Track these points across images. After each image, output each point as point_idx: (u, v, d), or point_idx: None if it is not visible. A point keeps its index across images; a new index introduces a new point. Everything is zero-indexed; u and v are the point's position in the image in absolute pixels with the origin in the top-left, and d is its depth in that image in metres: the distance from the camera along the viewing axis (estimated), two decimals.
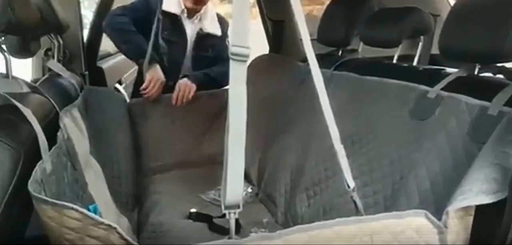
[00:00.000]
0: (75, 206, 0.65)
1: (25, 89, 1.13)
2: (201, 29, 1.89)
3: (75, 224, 0.66)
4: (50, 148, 0.93)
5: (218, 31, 1.94)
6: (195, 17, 1.89)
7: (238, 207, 0.65)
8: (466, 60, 1.05)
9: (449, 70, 1.15)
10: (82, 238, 0.67)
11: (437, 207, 0.82)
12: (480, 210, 0.74)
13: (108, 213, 1.22)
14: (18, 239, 0.97)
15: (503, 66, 1.00)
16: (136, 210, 1.54)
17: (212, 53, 1.94)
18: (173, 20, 1.86)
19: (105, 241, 0.65)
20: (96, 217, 0.65)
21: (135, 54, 1.84)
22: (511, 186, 0.71)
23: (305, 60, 1.71)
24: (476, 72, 1.04)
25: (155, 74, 1.76)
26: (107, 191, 1.33)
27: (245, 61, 0.65)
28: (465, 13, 1.04)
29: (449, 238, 0.72)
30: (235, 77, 0.65)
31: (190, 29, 1.90)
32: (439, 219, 0.72)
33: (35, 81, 1.35)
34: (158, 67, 1.78)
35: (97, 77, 1.99)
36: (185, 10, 1.86)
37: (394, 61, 1.42)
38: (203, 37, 1.90)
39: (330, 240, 0.68)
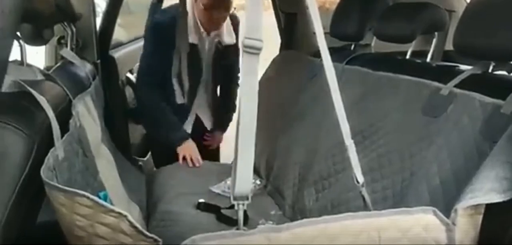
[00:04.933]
0: (86, 194, 0.66)
1: (39, 77, 1.14)
2: (219, 43, 1.83)
3: (86, 211, 0.67)
4: (63, 135, 0.94)
5: (234, 39, 1.87)
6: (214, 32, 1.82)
7: (247, 198, 0.65)
8: (481, 57, 1.03)
9: (463, 67, 1.13)
10: (92, 225, 0.68)
11: (447, 204, 0.82)
12: (491, 208, 0.73)
13: (119, 200, 1.24)
14: (30, 224, 0.99)
15: None
16: (146, 198, 1.56)
17: (230, 61, 1.90)
18: (191, 48, 1.79)
19: (116, 228, 0.66)
20: (107, 204, 0.66)
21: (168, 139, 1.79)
22: None
23: (316, 53, 1.71)
24: (490, 70, 1.02)
25: (188, 150, 1.76)
26: (118, 178, 1.34)
27: (257, 53, 0.65)
28: (481, 10, 1.02)
29: (458, 236, 0.72)
30: (247, 69, 0.65)
31: (208, 43, 1.83)
32: (449, 217, 0.71)
33: (48, 68, 1.37)
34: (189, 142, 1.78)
35: (109, 66, 2.00)
36: (204, 32, 1.79)
37: (408, 56, 1.40)
38: (221, 50, 1.85)
39: (337, 234, 0.68)
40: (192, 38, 1.76)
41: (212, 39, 1.82)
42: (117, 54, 2.12)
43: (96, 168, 1.13)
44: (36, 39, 1.34)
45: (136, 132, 2.16)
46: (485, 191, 0.72)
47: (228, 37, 1.83)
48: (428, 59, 1.36)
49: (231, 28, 1.86)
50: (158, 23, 1.79)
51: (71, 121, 1.03)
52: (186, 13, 1.74)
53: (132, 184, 1.50)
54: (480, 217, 0.74)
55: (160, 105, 1.77)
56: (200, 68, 1.85)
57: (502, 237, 0.76)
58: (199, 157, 1.76)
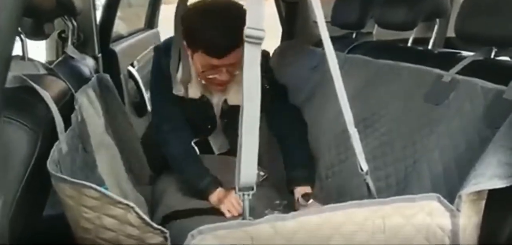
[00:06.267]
0: (93, 185, 0.67)
1: (42, 71, 1.15)
2: (225, 101, 1.45)
3: (94, 203, 0.68)
4: (66, 129, 0.95)
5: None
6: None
7: (252, 189, 0.66)
8: (483, 43, 1.03)
9: (464, 53, 1.13)
10: (99, 217, 0.68)
11: (449, 191, 0.82)
12: (493, 194, 0.74)
13: (122, 193, 1.24)
14: (36, 218, 1.00)
15: None
16: (151, 190, 1.56)
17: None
18: (196, 101, 1.44)
19: (123, 220, 0.67)
20: (114, 196, 0.66)
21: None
22: None
23: (318, 43, 1.71)
24: (492, 56, 1.02)
25: (229, 205, 1.29)
26: (123, 170, 1.34)
27: (259, 43, 0.65)
28: None
29: (462, 221, 0.72)
30: (249, 60, 0.65)
31: (216, 100, 1.47)
32: (451, 203, 0.72)
33: (49, 63, 1.37)
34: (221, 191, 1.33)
35: (110, 59, 2.00)
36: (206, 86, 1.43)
37: (409, 44, 1.40)
38: (229, 109, 1.46)
39: (343, 222, 0.69)
40: (193, 93, 1.41)
41: (218, 95, 1.46)
42: (118, 47, 2.12)
43: (95, 163, 1.13)
44: (37, 33, 1.33)
45: (139, 125, 2.17)
46: (488, 177, 0.73)
47: (235, 96, 1.42)
48: (430, 46, 1.35)
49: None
50: (159, 64, 1.43)
51: (72, 115, 1.03)
52: (186, 64, 1.37)
53: (138, 174, 1.50)
54: (483, 203, 0.75)
55: (181, 152, 1.40)
56: (208, 122, 1.51)
57: (504, 222, 0.76)
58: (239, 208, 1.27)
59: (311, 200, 1.26)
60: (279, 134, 1.46)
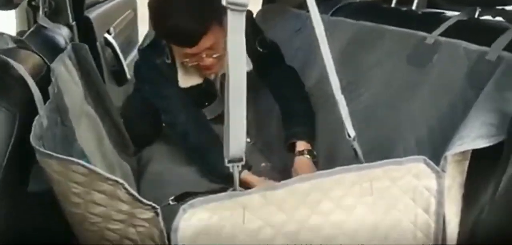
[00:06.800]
0: (81, 162, 0.66)
1: (11, 45, 1.09)
2: (223, 76, 1.40)
3: (82, 179, 0.66)
4: (45, 103, 0.91)
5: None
6: None
7: (241, 160, 0.65)
8: (467, 3, 1.03)
9: (448, 13, 1.13)
10: (89, 192, 0.67)
11: (433, 153, 0.84)
12: (475, 155, 0.76)
13: (107, 163, 1.22)
14: (20, 198, 0.98)
15: (503, 9, 0.98)
16: (136, 157, 1.55)
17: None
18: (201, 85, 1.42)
19: (112, 195, 0.66)
20: (103, 172, 0.65)
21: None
22: (510, 130, 0.73)
23: (301, 6, 1.67)
24: (476, 16, 1.02)
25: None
26: (106, 138, 1.32)
27: (243, 11, 0.63)
28: None
29: (446, 182, 0.74)
30: (233, 28, 0.63)
31: (215, 76, 1.46)
32: (437, 164, 0.73)
33: (20, 34, 1.31)
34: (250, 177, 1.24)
35: (85, 27, 1.92)
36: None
37: (393, 4, 1.39)
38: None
39: (331, 187, 0.69)
40: (196, 80, 1.38)
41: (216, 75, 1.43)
42: (93, 14, 2.03)
43: (74, 136, 1.10)
44: (5, 3, 1.26)
45: (118, 94, 2.12)
46: (472, 137, 0.74)
47: None
48: (413, 7, 1.34)
49: None
50: (151, 64, 1.36)
51: (50, 87, 0.99)
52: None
53: (122, 141, 1.47)
54: (467, 163, 0.77)
55: (202, 140, 1.32)
56: (208, 99, 1.50)
57: (486, 181, 0.78)
58: None
59: (308, 156, 1.23)
60: (278, 95, 1.43)
